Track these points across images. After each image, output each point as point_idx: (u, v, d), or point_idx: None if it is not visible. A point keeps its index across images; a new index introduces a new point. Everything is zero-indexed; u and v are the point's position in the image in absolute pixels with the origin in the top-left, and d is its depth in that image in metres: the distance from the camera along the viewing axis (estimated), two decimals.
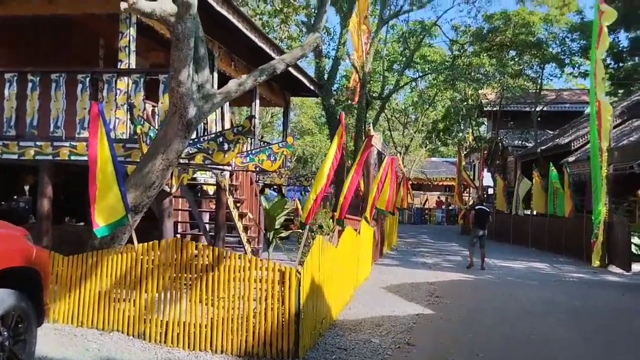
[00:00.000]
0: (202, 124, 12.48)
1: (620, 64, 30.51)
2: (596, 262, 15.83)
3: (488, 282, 12.77)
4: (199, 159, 9.48)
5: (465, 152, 40.10)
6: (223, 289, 6.39)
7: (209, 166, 10.26)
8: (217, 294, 6.39)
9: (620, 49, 29.76)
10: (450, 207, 40.39)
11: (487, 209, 15.79)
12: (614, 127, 18.21)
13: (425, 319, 8.42)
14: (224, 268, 6.41)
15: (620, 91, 31.28)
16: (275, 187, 21.97)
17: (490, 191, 32.64)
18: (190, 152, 9.39)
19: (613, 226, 15.83)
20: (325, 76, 22.99)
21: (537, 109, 29.31)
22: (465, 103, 33.87)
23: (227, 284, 6.38)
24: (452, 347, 6.93)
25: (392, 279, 11.94)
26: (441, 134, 37.47)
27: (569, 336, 7.70)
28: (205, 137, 10.04)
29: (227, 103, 15.37)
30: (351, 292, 9.48)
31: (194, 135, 10.77)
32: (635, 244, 15.74)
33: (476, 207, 16.14)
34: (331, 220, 11.91)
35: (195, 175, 12.08)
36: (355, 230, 10.32)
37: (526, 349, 7.00)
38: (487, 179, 34.42)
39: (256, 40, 12.23)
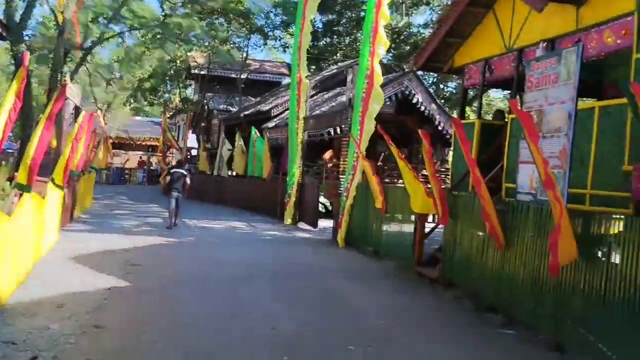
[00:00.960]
0: None
1: (315, 43, 32.91)
2: (288, 220, 16.67)
3: (190, 244, 12.28)
4: None
5: (171, 113, 39.02)
6: None
7: None
8: None
9: (315, 29, 32.04)
10: (152, 168, 38.68)
11: (182, 171, 15.42)
12: (310, 97, 19.27)
13: (120, 293, 7.33)
14: None
15: (313, 67, 33.82)
16: None
17: (195, 152, 32.36)
18: None
19: (304, 187, 16.79)
20: (17, 18, 19.53)
21: (242, 76, 29.77)
22: (174, 64, 32.73)
23: None
24: (149, 325, 6.05)
25: (82, 248, 10.29)
26: (147, 93, 35.69)
27: (273, 301, 7.46)
28: None
29: None
30: (29, 267, 7.82)
31: None
32: (322, 203, 16.94)
33: (171, 170, 15.75)
34: (8, 182, 9.89)
35: None
36: (40, 193, 8.63)
37: (234, 322, 6.41)
38: (192, 140, 34.01)
39: None
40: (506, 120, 10.47)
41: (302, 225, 16.41)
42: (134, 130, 44.15)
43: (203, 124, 33.15)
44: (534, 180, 6.51)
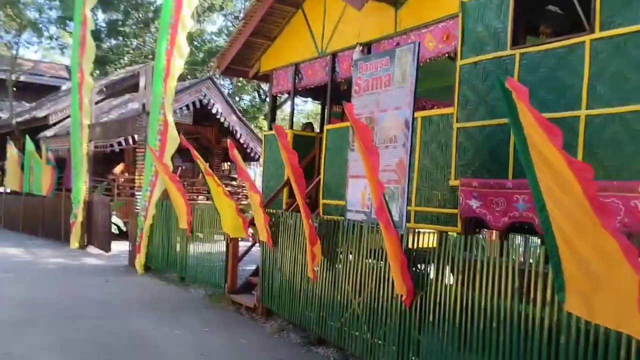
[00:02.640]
0: None
1: (98, 44, 29.67)
2: (75, 244, 14.17)
3: None
4: None
5: None
6: None
7: None
8: None
9: (98, 28, 28.84)
10: None
11: None
12: (95, 104, 16.82)
13: None
14: None
15: (97, 71, 30.49)
16: None
17: None
18: None
19: (93, 205, 14.41)
20: None
21: (13, 77, 25.41)
22: None
23: None
24: None
25: None
26: None
27: (57, 356, 5.64)
28: None
29: None
30: None
31: None
32: (115, 224, 14.75)
33: None
34: None
35: None
36: None
37: None
38: None
39: None
40: (317, 132, 9.81)
41: (92, 249, 13.98)
42: None
43: None
44: (367, 196, 5.72)
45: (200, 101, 17.24)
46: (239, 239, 8.68)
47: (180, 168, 19.40)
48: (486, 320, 4.15)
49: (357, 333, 5.69)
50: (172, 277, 10.24)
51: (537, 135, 3.50)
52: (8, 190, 19.37)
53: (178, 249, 10.02)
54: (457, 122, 6.07)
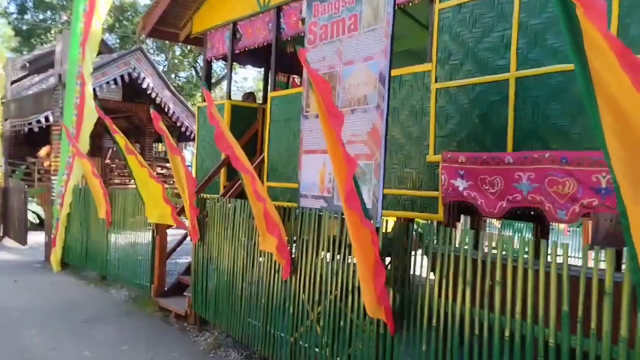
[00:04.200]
0: None
1: (22, 16, 26.73)
2: None
3: None
4: None
5: None
6: None
7: None
8: None
9: (23, 1, 25.94)
10: None
11: None
12: (15, 82, 14.55)
13: None
14: None
15: (26, 50, 27.56)
16: None
17: None
18: None
19: (9, 192, 12.30)
20: None
21: None
22: None
23: None
24: None
25: None
26: None
27: None
28: None
29: None
30: None
31: None
32: (34, 212, 12.68)
33: None
34: None
35: None
36: None
37: None
38: None
39: None
40: (259, 102, 8.26)
41: (8, 242, 11.85)
42: None
43: None
44: (327, 176, 4.23)
45: (130, 75, 15.19)
46: (167, 229, 7.02)
47: (111, 150, 17.34)
48: (513, 354, 2.76)
49: (316, 350, 4.26)
50: (91, 275, 8.46)
51: (611, 74, 2.10)
52: None
53: (98, 242, 8.25)
54: (435, 81, 4.69)
